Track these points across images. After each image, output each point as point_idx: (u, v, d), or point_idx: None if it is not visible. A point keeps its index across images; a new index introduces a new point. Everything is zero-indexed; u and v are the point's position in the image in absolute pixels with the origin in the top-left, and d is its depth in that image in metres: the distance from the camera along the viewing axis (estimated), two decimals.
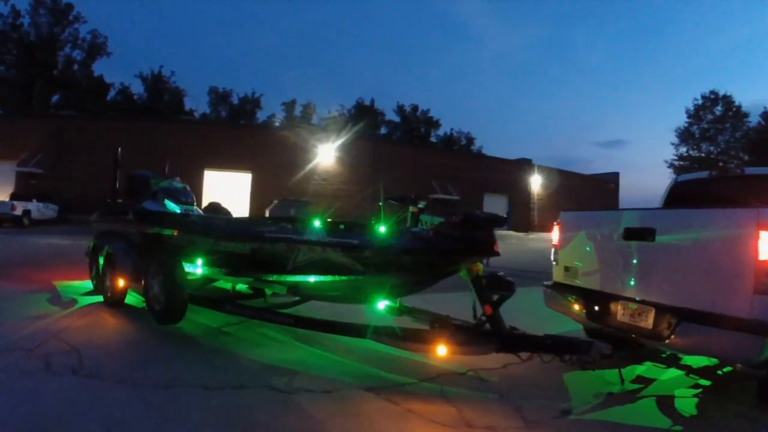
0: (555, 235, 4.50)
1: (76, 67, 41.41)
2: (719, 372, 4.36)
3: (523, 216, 35.34)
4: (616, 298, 3.76)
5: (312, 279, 4.20)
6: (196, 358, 4.09)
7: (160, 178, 7.12)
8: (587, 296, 3.97)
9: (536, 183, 35.68)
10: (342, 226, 4.19)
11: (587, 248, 4.08)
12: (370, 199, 26.32)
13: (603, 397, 3.59)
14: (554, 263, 4.55)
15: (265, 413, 3.03)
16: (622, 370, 3.90)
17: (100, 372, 3.62)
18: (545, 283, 4.61)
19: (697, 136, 35.68)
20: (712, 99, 35.12)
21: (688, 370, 4.33)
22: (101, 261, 6.26)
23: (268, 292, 5.59)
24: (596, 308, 3.86)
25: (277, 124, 35.58)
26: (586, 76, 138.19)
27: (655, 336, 3.41)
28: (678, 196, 5.46)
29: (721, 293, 3.16)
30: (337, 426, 2.91)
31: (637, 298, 3.62)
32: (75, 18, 40.31)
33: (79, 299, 6.29)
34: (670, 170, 36.67)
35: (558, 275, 4.46)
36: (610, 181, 38.48)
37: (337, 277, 3.96)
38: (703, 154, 35.23)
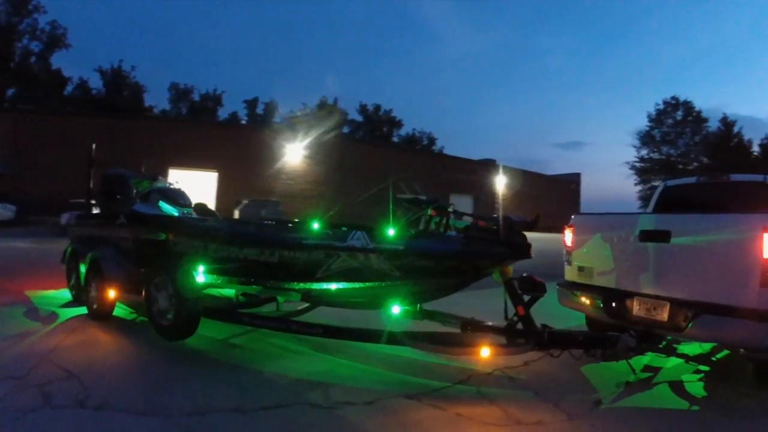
0: (568, 237, 4.87)
1: (33, 59, 39.36)
2: (713, 359, 4.88)
3: (488, 213, 36.32)
4: (633, 294, 4.16)
5: (340, 286, 4.04)
6: (217, 378, 3.81)
7: (141, 178, 6.63)
8: (604, 294, 4.35)
9: (501, 183, 36.72)
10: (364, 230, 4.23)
11: (603, 249, 4.47)
12: (342, 199, 26.45)
13: (623, 386, 3.96)
14: (567, 264, 4.93)
15: None
16: (629, 361, 4.33)
17: (112, 402, 3.20)
18: (559, 282, 4.98)
19: (657, 139, 37.91)
20: (673, 104, 37.50)
21: (686, 358, 4.82)
22: (83, 269, 5.78)
23: (280, 299, 5.28)
24: (614, 305, 4.25)
25: (244, 122, 35.14)
26: (546, 79, 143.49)
27: (674, 327, 3.83)
28: (668, 200, 5.97)
29: (732, 288, 3.61)
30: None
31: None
32: (35, 8, 38.25)
33: (60, 312, 5.86)
34: (632, 171, 38.91)
35: (572, 275, 4.84)
36: (572, 181, 40.20)
37: (369, 284, 3.91)
38: (663, 157, 37.46)
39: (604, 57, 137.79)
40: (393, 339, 3.91)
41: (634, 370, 4.24)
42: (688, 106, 36.81)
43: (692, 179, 6.00)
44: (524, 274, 3.89)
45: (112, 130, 23.41)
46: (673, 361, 4.71)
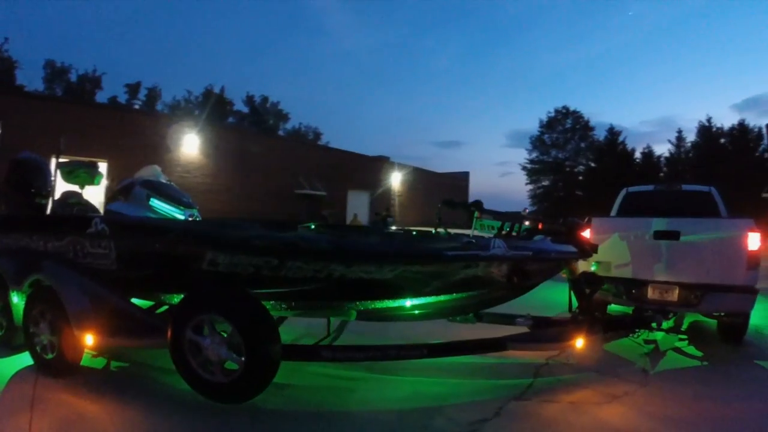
0: (587, 236, 6.02)
1: None
2: (682, 329, 6.41)
3: (383, 211, 37.92)
4: (648, 282, 5.41)
5: (443, 298, 3.99)
6: None
7: (75, 166, 5.50)
8: (623, 283, 5.55)
9: (395, 180, 38.52)
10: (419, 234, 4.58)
11: (620, 246, 5.67)
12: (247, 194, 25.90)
13: (647, 356, 5.16)
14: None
15: None
16: (634, 337, 5.57)
17: None
18: None
19: (548, 143, 43.15)
20: (563, 113, 42.93)
21: (665, 331, 6.28)
22: (18, 301, 4.21)
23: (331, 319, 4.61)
24: (633, 291, 5.47)
25: (137, 107, 32.22)
26: (429, 80, 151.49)
27: (685, 304, 5.15)
28: (629, 204, 7.46)
29: (727, 272, 5.03)
30: None
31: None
32: None
33: None
34: (524, 172, 43.98)
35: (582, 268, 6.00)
36: (462, 179, 43.64)
37: (471, 293, 3.99)
38: (551, 159, 42.76)
39: (485, 63, 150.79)
40: (499, 345, 4.01)
41: (644, 343, 5.51)
42: (577, 115, 42.90)
43: (650, 187, 7.59)
44: (586, 271, 4.87)
45: None
46: (659, 335, 6.11)
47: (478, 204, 5.42)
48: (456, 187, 42.23)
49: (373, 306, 4.02)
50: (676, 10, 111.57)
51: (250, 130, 41.74)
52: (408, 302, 4.09)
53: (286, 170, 30.98)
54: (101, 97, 41.66)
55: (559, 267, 4.72)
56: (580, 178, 42.48)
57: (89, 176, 5.60)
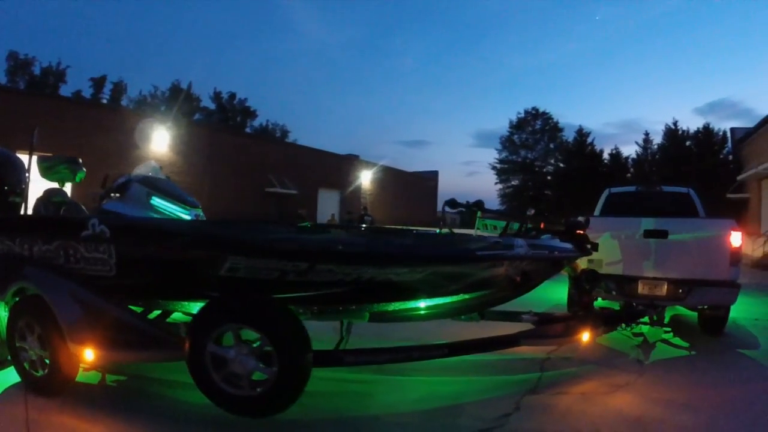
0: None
1: None
2: (665, 322, 6.81)
3: (356, 211, 38.00)
4: (638, 278, 5.76)
5: (459, 298, 4.11)
6: None
7: (54, 161, 5.13)
8: (615, 279, 5.88)
9: (365, 178, 38.66)
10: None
11: (611, 245, 6.00)
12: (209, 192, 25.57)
13: (638, 347, 5.49)
14: None
15: None
16: (624, 330, 5.92)
17: None
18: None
19: (517, 144, 44.16)
20: (533, 114, 44.01)
21: (650, 324, 6.66)
22: (1, 314, 3.87)
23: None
24: (624, 287, 5.81)
25: (105, 101, 31.12)
26: (396, 80, 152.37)
27: (674, 298, 5.51)
28: (612, 204, 7.86)
29: (712, 268, 5.42)
30: (570, 426, 3.36)
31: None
32: None
33: None
34: (493, 172, 45.09)
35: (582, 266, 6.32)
36: (431, 178, 44.20)
37: (486, 292, 4.13)
38: (521, 159, 43.83)
39: (451, 63, 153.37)
40: (513, 341, 4.15)
41: (633, 335, 5.87)
42: (546, 116, 44.03)
43: (632, 188, 8.03)
44: (586, 269, 5.16)
45: None
46: (645, 328, 6.50)
47: (479, 204, 5.57)
48: (425, 186, 42.79)
49: (389, 308, 4.05)
50: (641, 16, 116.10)
51: (221, 127, 41.14)
52: (422, 303, 4.19)
53: (256, 168, 30.71)
54: (65, 90, 40.30)
55: (562, 265, 4.99)
56: (549, 178, 43.69)
57: (70, 172, 5.21)
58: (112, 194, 4.52)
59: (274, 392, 3.06)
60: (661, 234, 5.67)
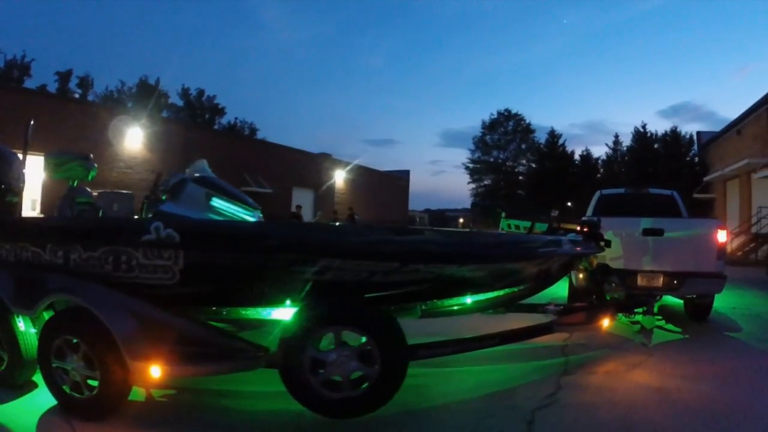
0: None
1: None
2: (654, 311, 7.61)
3: (329, 209, 38.29)
4: (637, 271, 6.51)
5: (504, 293, 4.52)
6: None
7: (65, 157, 5.07)
8: (616, 273, 6.57)
9: (338, 177, 39.02)
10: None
11: (613, 241, 6.72)
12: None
13: (639, 333, 6.26)
14: None
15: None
16: (625, 318, 6.67)
17: None
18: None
19: (489, 144, 45.47)
20: (505, 116, 45.37)
21: (643, 313, 7.43)
22: (27, 331, 3.59)
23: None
24: (625, 279, 6.55)
25: (77, 95, 30.14)
26: (362, 78, 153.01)
27: (670, 288, 6.29)
28: (604, 204, 8.64)
29: (701, 261, 6.24)
30: (621, 402, 3.81)
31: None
32: None
33: None
34: (465, 171, 46.48)
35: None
36: (402, 178, 44.92)
37: (514, 288, 4.58)
38: (492, 159, 45.19)
39: (419, 64, 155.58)
40: (548, 329, 4.55)
41: (631, 323, 6.61)
42: (518, 118, 45.73)
43: (621, 190, 8.86)
44: (600, 263, 5.82)
45: None
46: (639, 317, 7.26)
47: (501, 205, 6.21)
48: (397, 186, 43.51)
49: (444, 304, 4.36)
50: (607, 20, 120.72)
51: (195, 124, 40.69)
52: (469, 299, 4.56)
53: (231, 167, 30.62)
54: (30, 84, 38.95)
55: (580, 260, 5.67)
56: (521, 178, 45.28)
57: (84, 169, 5.03)
58: (161, 195, 4.35)
59: (377, 391, 3.17)
60: (658, 232, 6.44)
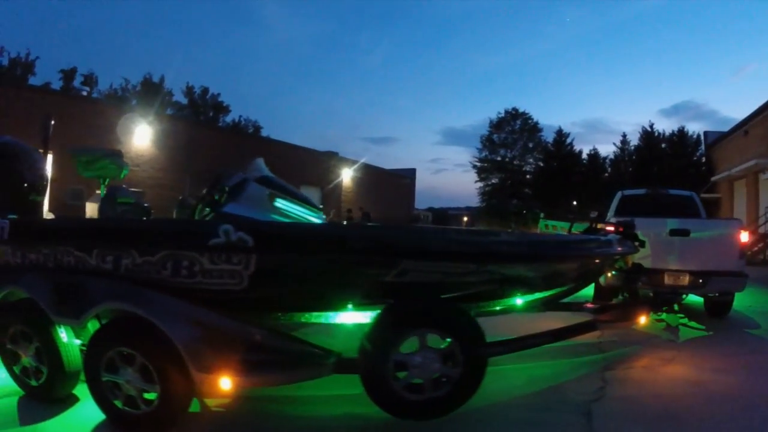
0: None
1: None
2: (675, 308, 7.90)
3: (337, 208, 38.51)
4: (664, 270, 6.79)
5: (555, 291, 4.76)
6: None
7: (96, 154, 4.90)
8: (644, 271, 6.88)
9: (345, 175, 39.27)
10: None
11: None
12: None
13: (665, 330, 6.55)
14: None
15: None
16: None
17: None
18: None
19: (496, 142, 45.81)
20: (512, 114, 45.70)
21: (666, 311, 7.70)
22: (70, 342, 3.41)
23: None
24: (652, 277, 6.82)
25: (84, 93, 30.22)
26: (364, 76, 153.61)
27: (694, 287, 6.59)
28: (625, 204, 8.91)
29: (725, 261, 6.55)
30: (663, 394, 4.07)
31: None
32: None
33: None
34: (473, 170, 47.01)
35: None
36: (408, 176, 45.19)
37: (562, 288, 4.81)
38: (499, 158, 45.53)
39: (419, 62, 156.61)
40: (592, 326, 4.73)
41: (657, 320, 6.91)
42: (525, 117, 46.05)
43: (642, 191, 9.15)
44: (635, 262, 6.07)
45: None
46: (663, 314, 7.54)
47: (536, 206, 6.49)
48: (402, 184, 43.79)
49: (499, 304, 4.47)
50: (610, 19, 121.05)
51: (201, 122, 40.91)
52: (519, 300, 4.66)
53: (237, 164, 30.80)
54: (34, 82, 39.18)
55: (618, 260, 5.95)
56: (528, 176, 45.60)
57: (116, 167, 4.91)
58: (214, 196, 4.01)
59: (459, 391, 3.23)
60: (684, 232, 6.72)
